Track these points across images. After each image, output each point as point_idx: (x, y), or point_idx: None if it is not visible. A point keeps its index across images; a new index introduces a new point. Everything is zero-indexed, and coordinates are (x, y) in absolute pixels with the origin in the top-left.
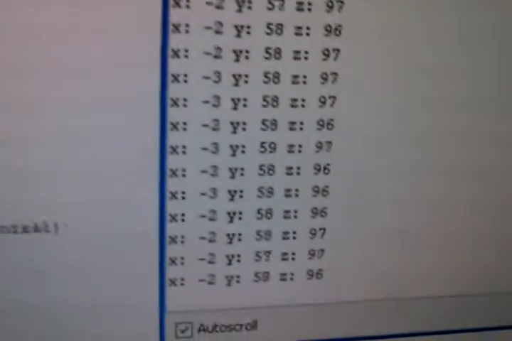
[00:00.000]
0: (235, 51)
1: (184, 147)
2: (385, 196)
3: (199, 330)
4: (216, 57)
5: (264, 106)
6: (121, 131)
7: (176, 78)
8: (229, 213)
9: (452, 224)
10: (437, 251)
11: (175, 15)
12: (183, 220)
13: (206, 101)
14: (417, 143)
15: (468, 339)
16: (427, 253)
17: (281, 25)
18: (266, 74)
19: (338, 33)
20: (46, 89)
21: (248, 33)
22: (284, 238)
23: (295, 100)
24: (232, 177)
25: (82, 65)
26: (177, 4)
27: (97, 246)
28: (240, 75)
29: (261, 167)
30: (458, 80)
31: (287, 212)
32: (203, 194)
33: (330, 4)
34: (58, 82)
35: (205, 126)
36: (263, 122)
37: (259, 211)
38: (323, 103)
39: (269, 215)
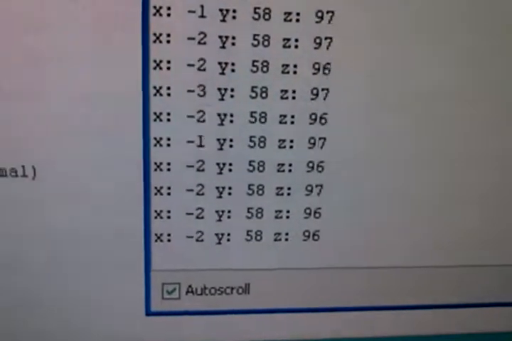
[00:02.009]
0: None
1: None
2: (385, 155)
3: (187, 292)
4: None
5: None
6: None
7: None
8: (218, 164)
9: (458, 185)
10: (443, 217)
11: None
12: (168, 170)
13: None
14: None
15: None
16: (433, 218)
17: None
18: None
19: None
20: None
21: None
22: (277, 194)
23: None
24: (221, 124)
25: None
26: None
27: (77, 197)
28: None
29: (252, 114)
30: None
31: (281, 165)
32: (189, 142)
33: None
34: None
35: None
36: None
37: (250, 163)
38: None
39: (261, 168)
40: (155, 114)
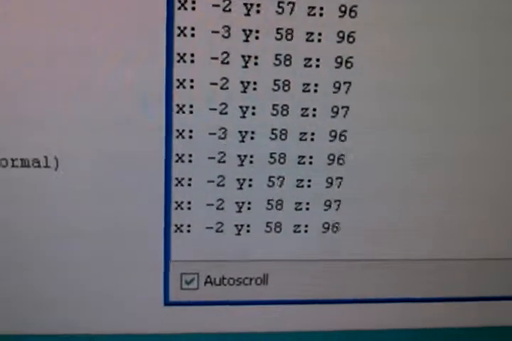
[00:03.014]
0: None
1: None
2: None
3: (206, 282)
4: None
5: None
6: None
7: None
8: (239, 156)
9: (475, 180)
10: (460, 210)
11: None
12: (190, 161)
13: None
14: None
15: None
16: (449, 211)
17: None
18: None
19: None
20: None
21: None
22: (298, 186)
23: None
24: (243, 116)
25: None
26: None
27: (99, 187)
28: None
29: (274, 107)
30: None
31: (302, 157)
32: (211, 134)
33: None
34: None
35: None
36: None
37: (271, 155)
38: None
39: (282, 160)
40: (178, 106)
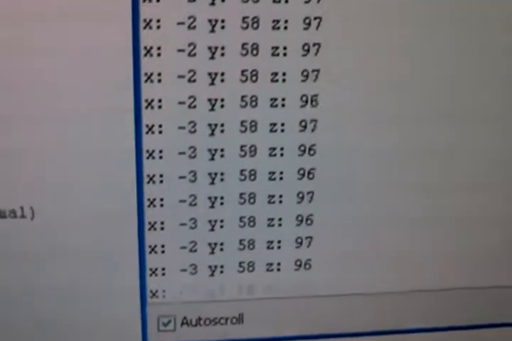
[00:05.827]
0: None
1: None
2: (373, 182)
3: (182, 324)
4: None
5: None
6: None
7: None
8: (210, 198)
9: (451, 210)
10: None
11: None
12: (161, 206)
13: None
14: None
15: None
16: (423, 241)
17: None
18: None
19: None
20: None
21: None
22: (269, 225)
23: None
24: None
25: None
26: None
27: (74, 233)
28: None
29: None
30: None
31: (272, 196)
32: (182, 177)
33: None
34: None
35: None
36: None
37: (241, 195)
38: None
39: (252, 200)
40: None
